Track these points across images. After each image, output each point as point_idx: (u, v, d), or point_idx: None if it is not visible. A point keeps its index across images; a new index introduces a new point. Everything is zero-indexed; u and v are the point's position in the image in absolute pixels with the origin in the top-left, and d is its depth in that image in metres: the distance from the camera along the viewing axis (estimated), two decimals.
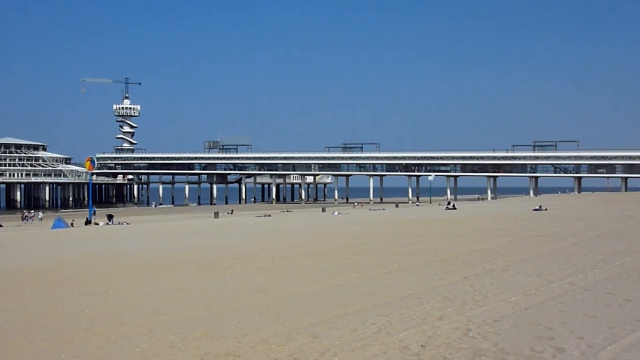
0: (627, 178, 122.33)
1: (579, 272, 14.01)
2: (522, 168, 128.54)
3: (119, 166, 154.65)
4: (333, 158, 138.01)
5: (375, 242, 23.35)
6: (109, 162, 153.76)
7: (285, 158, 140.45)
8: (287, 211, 79.50)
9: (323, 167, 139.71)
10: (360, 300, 11.28)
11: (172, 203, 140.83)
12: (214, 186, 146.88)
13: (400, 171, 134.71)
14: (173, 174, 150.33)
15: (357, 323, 9.42)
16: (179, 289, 13.45)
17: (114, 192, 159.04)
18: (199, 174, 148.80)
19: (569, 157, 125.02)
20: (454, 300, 10.97)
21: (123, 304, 11.81)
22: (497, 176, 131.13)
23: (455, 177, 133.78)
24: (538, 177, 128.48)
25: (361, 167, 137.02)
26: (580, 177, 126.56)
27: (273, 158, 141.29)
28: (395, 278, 14.01)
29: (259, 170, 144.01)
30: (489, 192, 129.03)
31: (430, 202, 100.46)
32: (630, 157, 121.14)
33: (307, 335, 8.79)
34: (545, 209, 50.37)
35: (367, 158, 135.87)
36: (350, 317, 9.85)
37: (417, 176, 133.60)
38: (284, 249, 21.67)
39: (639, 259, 16.40)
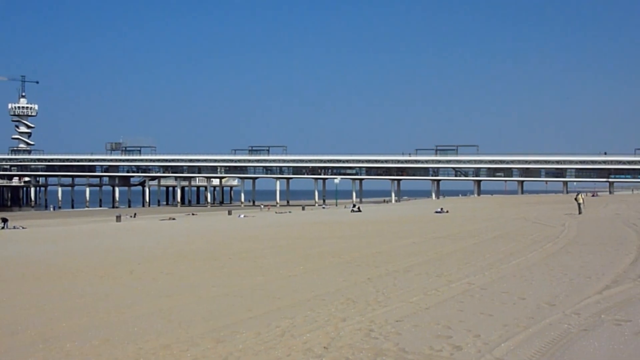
0: (523, 181, 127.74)
1: (477, 272, 14.51)
2: (425, 171, 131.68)
3: (15, 168, 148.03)
4: (239, 161, 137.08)
5: (281, 245, 23.40)
6: (4, 163, 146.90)
7: (190, 160, 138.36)
8: (193, 214, 78.37)
9: (229, 169, 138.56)
10: (265, 304, 11.27)
11: (72, 206, 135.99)
12: (116, 189, 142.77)
13: (307, 174, 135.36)
14: (73, 176, 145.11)
15: (261, 326, 9.40)
16: (78, 295, 13.03)
17: (9, 195, 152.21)
18: (100, 176, 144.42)
19: (469, 161, 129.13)
20: (357, 302, 11.13)
21: (17, 312, 11.32)
22: (401, 179, 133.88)
23: (361, 180, 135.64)
24: (440, 180, 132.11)
25: (268, 169, 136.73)
26: (480, 181, 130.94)
27: (178, 160, 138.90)
28: (301, 280, 14.08)
29: (164, 172, 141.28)
30: (393, 194, 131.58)
31: (337, 205, 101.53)
32: (526, 162, 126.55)
33: (210, 340, 8.71)
34: (447, 212, 51.89)
35: (274, 161, 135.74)
36: (255, 321, 9.83)
37: (324, 179, 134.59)
38: (188, 253, 21.39)
39: (532, 258, 17.14)
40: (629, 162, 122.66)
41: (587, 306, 10.29)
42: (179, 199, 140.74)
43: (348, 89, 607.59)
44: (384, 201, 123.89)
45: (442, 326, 9.08)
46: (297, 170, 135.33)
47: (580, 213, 41.65)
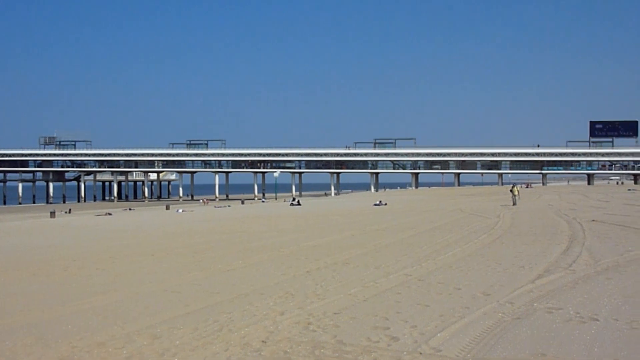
0: (459, 174, 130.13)
1: (415, 264, 14.70)
2: (364, 164, 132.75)
3: None
4: (177, 155, 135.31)
5: (219, 240, 23.23)
6: None
7: (127, 155, 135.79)
8: (130, 209, 77.04)
9: (167, 163, 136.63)
10: (203, 299, 11.15)
11: (4, 202, 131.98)
12: (51, 184, 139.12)
13: (246, 168, 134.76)
14: (4, 172, 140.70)
15: (199, 322, 9.30)
16: (10, 293, 12.64)
17: None
18: (33, 172, 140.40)
19: (407, 154, 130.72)
20: (296, 295, 11.13)
21: None
22: (340, 172, 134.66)
23: (300, 173, 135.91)
24: (379, 173, 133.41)
25: (206, 163, 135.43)
26: (418, 173, 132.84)
27: (114, 155, 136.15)
28: (239, 275, 14.00)
29: (99, 167, 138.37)
30: (332, 188, 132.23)
31: (276, 199, 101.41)
32: (462, 154, 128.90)
33: (147, 337, 8.56)
34: (385, 204, 52.44)
35: (213, 155, 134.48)
36: (192, 316, 9.71)
37: (263, 173, 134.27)
38: (125, 248, 21.02)
39: (468, 249, 17.48)
40: (561, 154, 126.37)
41: (521, 295, 10.54)
42: (115, 194, 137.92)
43: (286, 82, 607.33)
44: (325, 194, 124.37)
45: (380, 317, 9.16)
46: (236, 164, 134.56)
47: (514, 204, 42.69)
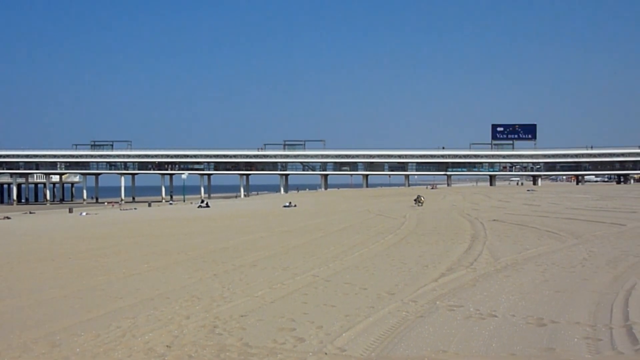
0: (367, 175, 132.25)
1: (322, 265, 14.81)
2: (274, 166, 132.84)
3: None
4: (81, 156, 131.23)
5: (124, 243, 22.68)
6: None
7: (27, 156, 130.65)
8: (30, 213, 74.08)
9: (70, 165, 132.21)
10: (106, 304, 10.85)
11: None
12: None
13: (153, 169, 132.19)
14: None
15: (101, 328, 9.04)
16: None
17: None
18: None
19: (316, 156, 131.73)
20: (202, 298, 11.00)
21: None
22: (249, 174, 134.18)
23: (209, 175, 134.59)
24: (288, 174, 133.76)
25: (112, 165, 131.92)
26: (327, 175, 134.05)
27: (13, 156, 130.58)
28: (145, 279, 13.71)
29: None
30: (242, 189, 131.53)
31: (184, 201, 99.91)
32: (370, 156, 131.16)
33: (45, 345, 8.25)
34: (295, 206, 52.64)
35: (118, 156, 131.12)
36: (94, 322, 9.43)
37: (171, 174, 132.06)
38: (25, 254, 20.22)
39: (375, 250, 17.77)
40: (465, 156, 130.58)
41: (424, 294, 10.80)
42: (14, 197, 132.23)
43: (195, 82, 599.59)
44: (235, 196, 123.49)
45: (287, 319, 9.18)
46: (143, 166, 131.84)
47: (420, 205, 43.71)
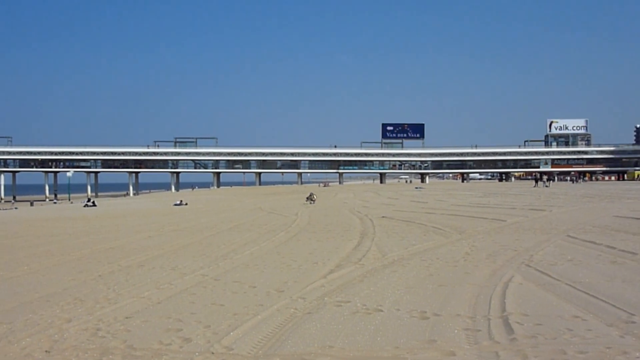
0: (260, 173, 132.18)
1: (212, 263, 14.65)
2: (164, 164, 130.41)
3: None
4: None
5: (1, 244, 21.55)
6: None
7: None
8: None
9: None
10: None
11: None
12: None
13: (36, 167, 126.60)
14: None
15: None
16: None
17: None
18: None
19: (208, 153, 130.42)
20: (85, 300, 10.62)
21: None
22: (139, 172, 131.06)
23: (96, 173, 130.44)
24: (179, 172, 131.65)
25: None
26: (219, 173, 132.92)
27: None
28: (24, 281, 13.07)
29: None
30: (131, 188, 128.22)
31: (70, 200, 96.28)
32: (263, 154, 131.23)
33: None
34: (186, 204, 51.85)
35: None
36: None
37: (55, 172, 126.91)
38: None
39: (265, 247, 17.76)
40: (356, 155, 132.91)
41: (313, 290, 10.88)
42: None
43: (81, 77, 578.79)
44: (125, 195, 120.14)
45: (173, 319, 9.00)
46: (25, 163, 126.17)
47: (312, 203, 44.10)
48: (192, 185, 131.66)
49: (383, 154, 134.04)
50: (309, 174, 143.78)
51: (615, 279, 11.18)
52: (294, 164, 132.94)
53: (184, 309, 9.71)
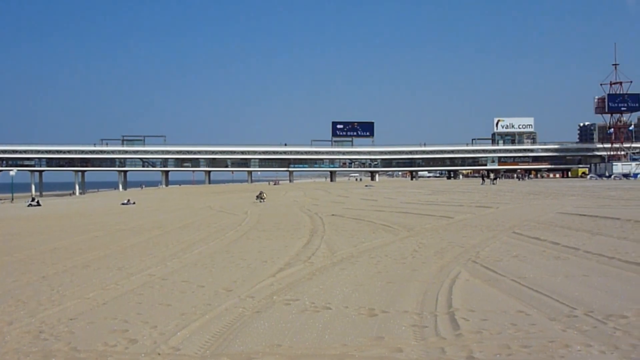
0: (210, 171, 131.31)
1: (159, 263, 14.47)
2: (111, 162, 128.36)
3: None
4: None
5: None
6: None
7: None
8: None
9: None
10: None
11: None
12: None
13: None
14: None
15: None
16: None
17: None
18: None
19: (156, 152, 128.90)
20: (28, 302, 10.36)
21: None
22: (85, 170, 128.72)
23: (41, 172, 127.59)
24: (127, 171, 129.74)
25: None
26: (168, 171, 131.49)
27: None
28: None
29: None
30: (77, 187, 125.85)
31: (12, 200, 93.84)
32: (213, 152, 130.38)
33: None
34: (134, 203, 51.16)
35: None
36: None
37: None
38: None
39: (215, 246, 17.63)
40: (306, 153, 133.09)
41: (262, 289, 10.84)
42: None
43: (24, 72, 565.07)
44: (71, 194, 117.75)
45: (119, 320, 8.85)
46: None
47: (262, 201, 43.99)
48: (140, 184, 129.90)
49: (333, 152, 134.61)
50: (259, 173, 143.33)
51: (558, 274, 11.44)
52: (244, 162, 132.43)
53: (130, 309, 9.56)
